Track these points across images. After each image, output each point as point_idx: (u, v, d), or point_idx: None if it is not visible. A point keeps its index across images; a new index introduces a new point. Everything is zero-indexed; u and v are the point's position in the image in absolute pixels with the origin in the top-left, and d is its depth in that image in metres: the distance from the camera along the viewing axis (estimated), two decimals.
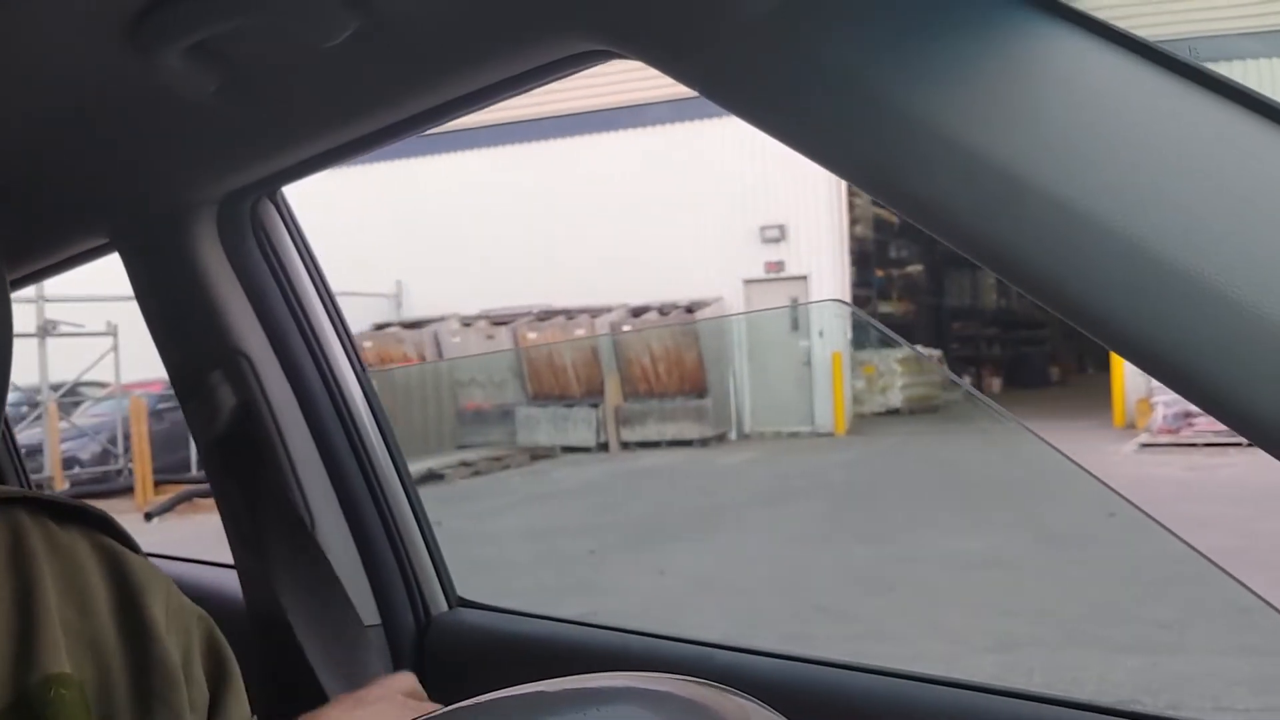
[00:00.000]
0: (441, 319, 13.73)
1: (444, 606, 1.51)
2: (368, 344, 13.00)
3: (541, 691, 0.50)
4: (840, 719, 1.07)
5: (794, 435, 11.94)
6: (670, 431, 11.77)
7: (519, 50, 0.91)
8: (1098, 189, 0.59)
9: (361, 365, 1.53)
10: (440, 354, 12.79)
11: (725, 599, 6.28)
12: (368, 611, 1.47)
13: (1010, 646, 4.94)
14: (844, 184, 11.06)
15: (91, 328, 12.89)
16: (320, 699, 1.18)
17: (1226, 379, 0.55)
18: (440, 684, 1.48)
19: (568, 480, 11.19)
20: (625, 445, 12.00)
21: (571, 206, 12.70)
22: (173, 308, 1.48)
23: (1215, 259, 0.55)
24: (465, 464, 11.61)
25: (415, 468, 9.54)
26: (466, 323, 13.52)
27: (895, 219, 12.23)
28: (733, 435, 12.12)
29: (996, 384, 18.05)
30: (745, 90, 0.72)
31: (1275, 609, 0.95)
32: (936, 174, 0.63)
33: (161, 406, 12.21)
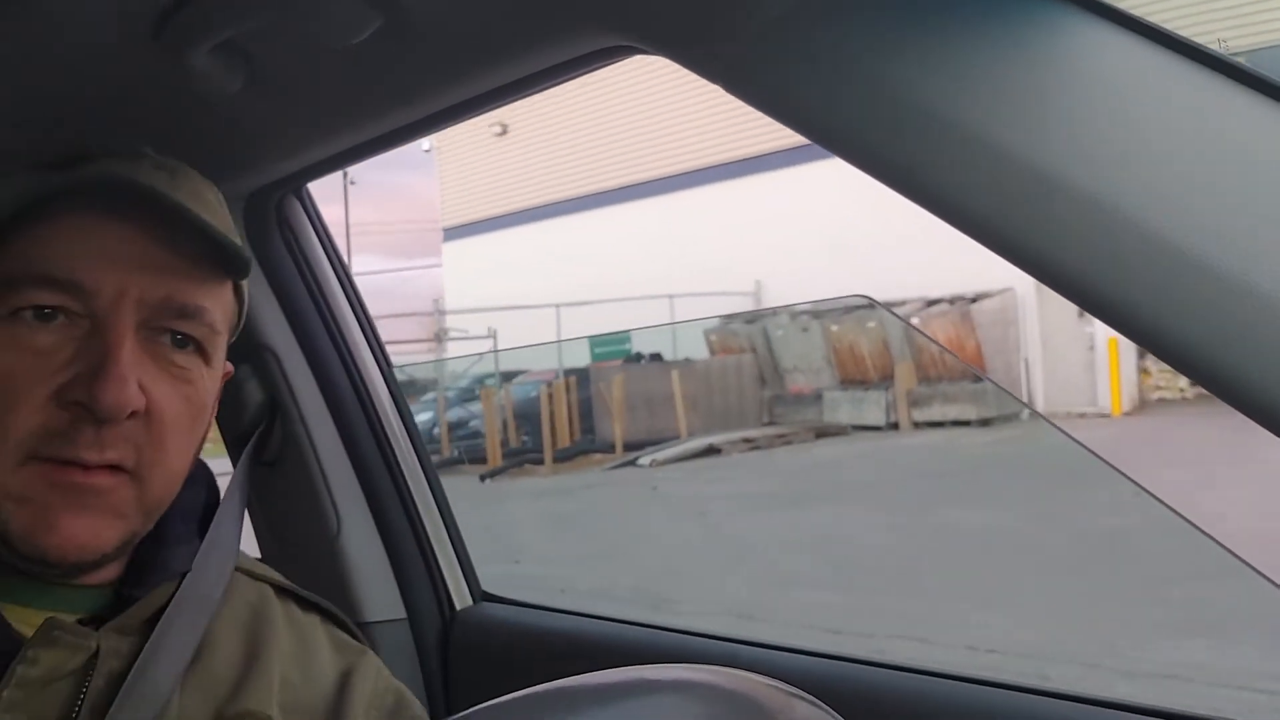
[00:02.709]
0: (774, 313, 15.80)
1: (469, 601, 1.52)
2: (713, 337, 15.65)
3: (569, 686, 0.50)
4: (866, 717, 1.07)
5: (1081, 415, 13.03)
6: (953, 413, 13.04)
7: (542, 47, 0.91)
8: (1126, 184, 0.58)
9: (387, 361, 1.53)
10: (770, 346, 15.07)
11: (729, 546, 7.85)
12: (393, 606, 1.47)
13: (790, 586, 6.17)
14: None
15: (474, 332, 16.39)
16: None
17: (1255, 375, 0.55)
18: (465, 678, 1.49)
19: (819, 456, 12.56)
20: (916, 425, 13.39)
21: (888, 210, 14.31)
22: None
23: (1246, 255, 0.55)
24: (747, 440, 13.20)
25: (698, 443, 11.62)
26: (792, 316, 15.43)
27: None
28: (1024, 415, 13.21)
29: None
30: (768, 86, 0.72)
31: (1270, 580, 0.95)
32: (962, 170, 0.63)
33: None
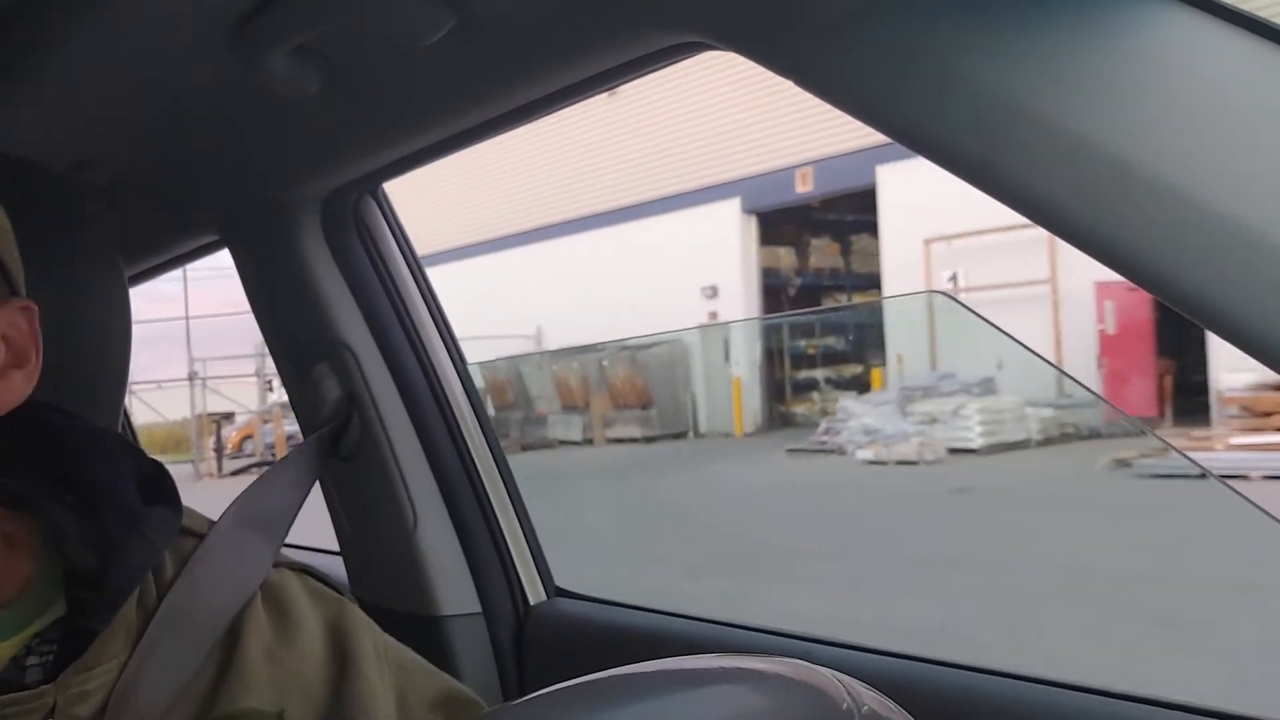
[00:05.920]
0: (527, 355, 20.59)
1: (542, 596, 1.53)
2: (485, 373, 19.60)
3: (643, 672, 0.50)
4: (939, 717, 1.05)
5: (727, 435, 17.39)
6: (627, 432, 17.41)
7: (613, 44, 0.91)
8: (1209, 174, 0.56)
9: (461, 357, 1.55)
10: (522, 380, 18.98)
11: None
12: (468, 600, 1.49)
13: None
14: (757, 254, 18.12)
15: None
16: None
17: None
18: (540, 673, 1.50)
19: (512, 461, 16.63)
20: (608, 440, 17.55)
21: (613, 275, 19.10)
22: (279, 301, 1.52)
23: None
24: None
25: None
26: (540, 356, 19.78)
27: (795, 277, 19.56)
28: (690, 435, 17.61)
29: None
30: (840, 80, 0.71)
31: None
32: (1040, 162, 0.61)
33: None
